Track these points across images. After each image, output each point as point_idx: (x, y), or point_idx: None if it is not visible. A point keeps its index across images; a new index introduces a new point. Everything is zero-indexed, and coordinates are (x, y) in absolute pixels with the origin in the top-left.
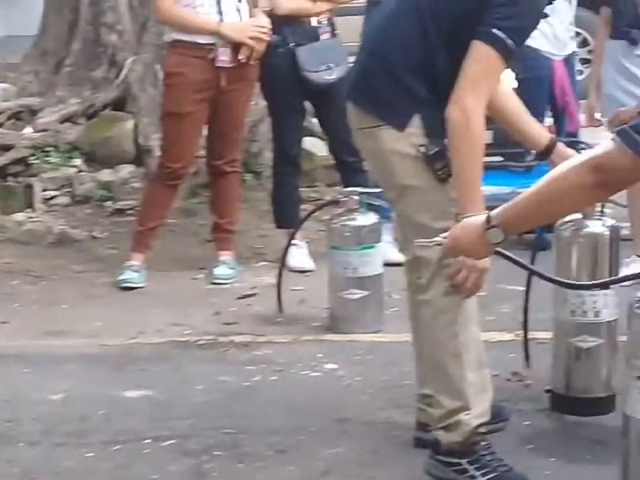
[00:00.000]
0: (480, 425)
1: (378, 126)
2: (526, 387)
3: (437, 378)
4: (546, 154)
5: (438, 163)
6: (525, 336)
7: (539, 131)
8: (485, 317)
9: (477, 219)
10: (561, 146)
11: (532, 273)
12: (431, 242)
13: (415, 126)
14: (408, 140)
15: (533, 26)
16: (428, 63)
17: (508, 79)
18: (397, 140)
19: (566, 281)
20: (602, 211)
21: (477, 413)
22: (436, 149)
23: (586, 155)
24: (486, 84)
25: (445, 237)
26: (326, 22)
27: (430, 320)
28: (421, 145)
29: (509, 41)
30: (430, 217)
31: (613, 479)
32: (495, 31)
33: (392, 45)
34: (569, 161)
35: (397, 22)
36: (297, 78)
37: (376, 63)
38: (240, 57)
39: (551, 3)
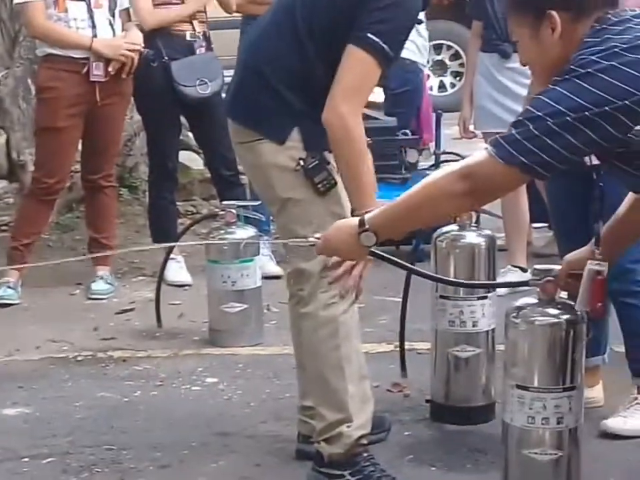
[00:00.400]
0: (361, 437)
1: (257, 140)
2: (406, 398)
3: (319, 390)
4: None
5: (317, 175)
6: (402, 346)
7: None
8: (365, 328)
9: (351, 221)
10: None
11: (410, 271)
12: (306, 242)
13: (294, 139)
14: (287, 153)
15: (407, 31)
16: (305, 75)
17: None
18: (276, 153)
19: (444, 277)
20: (477, 222)
21: (358, 425)
22: (315, 162)
23: (458, 163)
24: (361, 90)
25: (318, 238)
26: (201, 36)
27: (311, 333)
28: (300, 159)
29: (384, 45)
30: (311, 230)
31: None
32: (369, 35)
33: (268, 59)
34: (442, 169)
35: (272, 36)
36: (171, 92)
37: (253, 77)
38: (109, 69)
39: (424, 9)
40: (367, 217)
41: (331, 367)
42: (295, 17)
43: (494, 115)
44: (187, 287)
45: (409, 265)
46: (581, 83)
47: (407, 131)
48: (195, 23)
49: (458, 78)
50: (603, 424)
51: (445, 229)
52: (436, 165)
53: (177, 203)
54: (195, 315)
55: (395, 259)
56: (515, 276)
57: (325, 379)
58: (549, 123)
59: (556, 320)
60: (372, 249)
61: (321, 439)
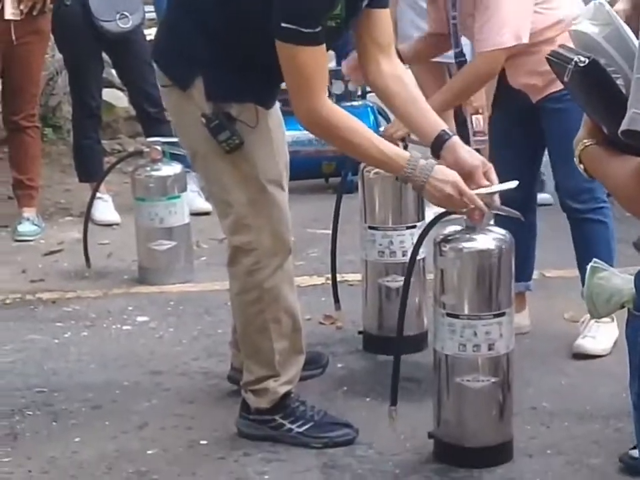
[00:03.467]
0: (288, 392)
1: (168, 85)
2: (338, 330)
3: (245, 346)
4: (435, 149)
5: (219, 135)
6: (334, 278)
7: (433, 121)
8: (296, 261)
9: None
10: (452, 142)
11: None
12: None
13: (197, 88)
14: (192, 103)
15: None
16: (202, 21)
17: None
18: (182, 101)
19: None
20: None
21: (285, 380)
22: (215, 122)
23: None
24: (310, 81)
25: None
26: None
27: (235, 294)
28: (203, 115)
29: (302, 29)
30: (218, 188)
31: (428, 414)
32: (283, 25)
33: (178, 3)
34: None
35: None
36: (90, 28)
37: (173, 18)
38: (21, 7)
39: None
40: None
41: (255, 329)
42: None
43: (410, 37)
44: (115, 226)
45: None
46: None
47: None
48: None
49: None
50: (577, 346)
51: None
52: (363, 95)
53: (102, 142)
54: (123, 254)
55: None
56: None
57: (250, 338)
58: None
59: (484, 247)
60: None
61: (248, 389)
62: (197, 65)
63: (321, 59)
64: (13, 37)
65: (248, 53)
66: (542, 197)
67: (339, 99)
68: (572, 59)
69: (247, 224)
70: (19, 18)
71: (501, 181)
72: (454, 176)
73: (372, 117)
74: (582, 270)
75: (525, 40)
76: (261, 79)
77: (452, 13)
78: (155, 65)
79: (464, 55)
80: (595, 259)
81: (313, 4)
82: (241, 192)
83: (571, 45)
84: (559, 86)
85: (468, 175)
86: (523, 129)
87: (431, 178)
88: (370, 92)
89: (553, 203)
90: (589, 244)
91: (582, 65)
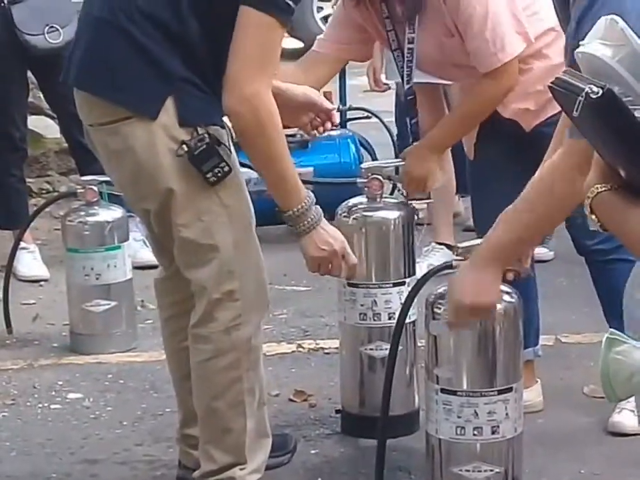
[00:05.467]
0: None
1: (123, 118)
2: (312, 408)
3: (210, 427)
4: None
5: (205, 163)
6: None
7: None
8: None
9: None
10: None
11: None
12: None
13: (169, 112)
14: (164, 132)
15: None
16: (179, 34)
17: None
18: (149, 133)
19: None
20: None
21: (253, 468)
22: (202, 147)
23: None
24: (271, 61)
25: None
26: None
27: (202, 362)
28: (183, 142)
29: (290, 2)
30: (198, 230)
31: None
32: None
33: (131, 13)
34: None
35: None
36: (13, 43)
37: (113, 36)
38: None
39: None
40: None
41: (227, 404)
42: None
43: None
44: (42, 283)
45: None
46: None
47: None
48: None
49: None
50: (612, 424)
51: (352, 201)
52: (341, 123)
53: (28, 180)
54: (52, 316)
55: None
56: (439, 255)
57: (218, 416)
58: None
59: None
60: None
61: None
62: (165, 85)
63: (281, 44)
64: None
65: (219, 66)
66: (539, 251)
67: None
68: (582, 89)
69: (232, 270)
70: None
71: (487, 229)
72: (342, 236)
73: (352, 149)
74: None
75: (533, 39)
76: None
77: (409, 33)
78: (84, 96)
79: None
80: (611, 330)
81: None
82: (227, 231)
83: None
84: (556, 108)
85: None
86: (515, 162)
87: (322, 225)
88: (350, 119)
89: (553, 258)
90: (617, 291)
91: (595, 96)
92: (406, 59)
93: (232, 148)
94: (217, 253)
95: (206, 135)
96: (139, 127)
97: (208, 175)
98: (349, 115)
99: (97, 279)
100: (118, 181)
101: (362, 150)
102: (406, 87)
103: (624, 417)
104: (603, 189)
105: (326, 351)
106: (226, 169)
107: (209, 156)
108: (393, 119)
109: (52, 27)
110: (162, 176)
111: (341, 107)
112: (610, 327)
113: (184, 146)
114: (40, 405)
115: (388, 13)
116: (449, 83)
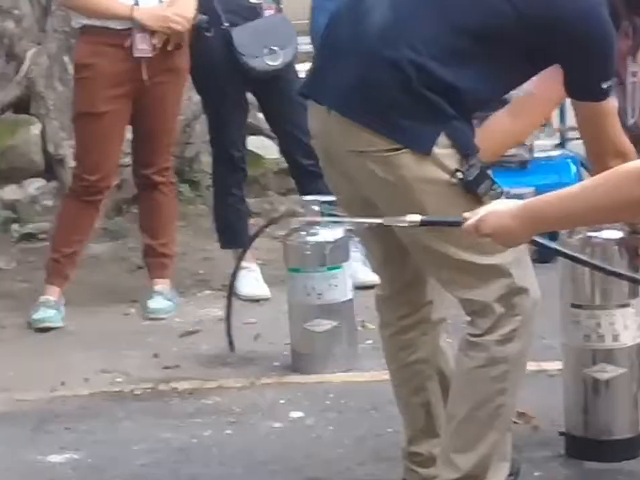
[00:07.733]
0: None
1: (394, 149)
2: (535, 430)
3: (463, 435)
4: None
5: (480, 186)
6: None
7: None
8: None
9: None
10: None
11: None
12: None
13: (443, 146)
14: (436, 163)
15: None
16: (456, 86)
17: None
18: (422, 165)
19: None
20: None
21: None
22: (476, 172)
23: None
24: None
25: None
26: None
27: (473, 368)
28: (457, 170)
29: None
30: (475, 252)
31: None
32: (604, 85)
33: (412, 53)
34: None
35: (413, 17)
36: (234, 65)
37: (390, 73)
38: (154, 42)
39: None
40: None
41: (488, 414)
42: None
43: None
44: (263, 302)
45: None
46: None
47: None
48: None
49: None
50: None
51: None
52: (562, 144)
53: (248, 200)
54: (273, 335)
55: (562, 250)
56: None
57: (475, 424)
58: None
59: None
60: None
61: None
62: (438, 122)
63: None
64: (145, 77)
65: (476, 101)
66: None
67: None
68: None
69: (516, 286)
70: (150, 55)
71: None
72: None
73: (573, 170)
74: None
75: None
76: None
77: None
78: (350, 123)
79: None
80: None
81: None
82: (508, 251)
83: None
84: None
85: None
86: None
87: None
88: (571, 139)
89: None
90: None
91: None
92: (629, 93)
93: None
94: (501, 271)
95: (477, 161)
96: (409, 158)
97: (484, 198)
98: (570, 135)
99: (319, 298)
100: (385, 206)
101: (583, 170)
102: (630, 121)
103: None
104: None
105: (549, 373)
106: (499, 190)
107: (482, 179)
108: None
109: (271, 49)
110: (433, 204)
111: (561, 127)
112: None
113: (458, 173)
114: (262, 424)
115: None
116: None
